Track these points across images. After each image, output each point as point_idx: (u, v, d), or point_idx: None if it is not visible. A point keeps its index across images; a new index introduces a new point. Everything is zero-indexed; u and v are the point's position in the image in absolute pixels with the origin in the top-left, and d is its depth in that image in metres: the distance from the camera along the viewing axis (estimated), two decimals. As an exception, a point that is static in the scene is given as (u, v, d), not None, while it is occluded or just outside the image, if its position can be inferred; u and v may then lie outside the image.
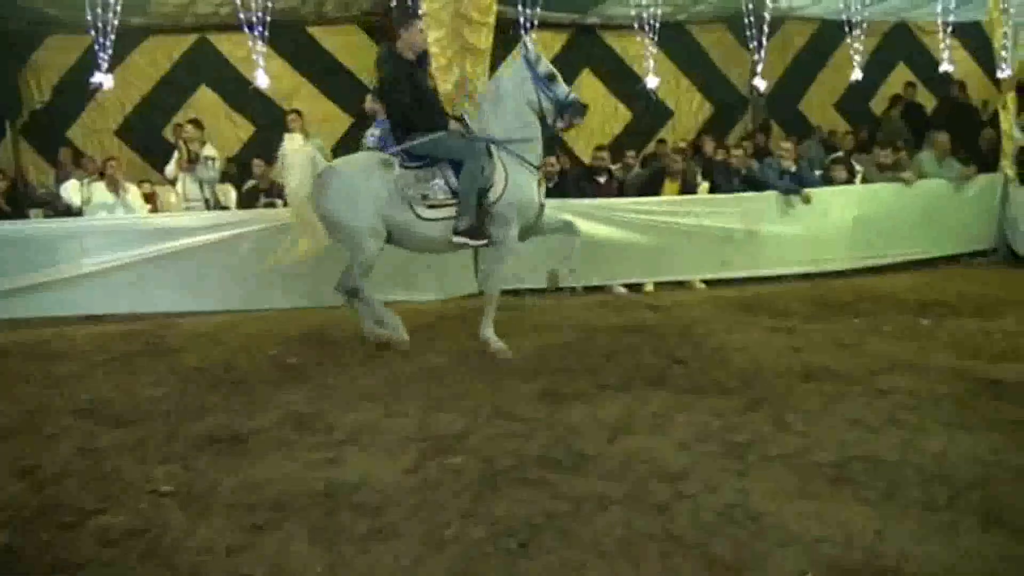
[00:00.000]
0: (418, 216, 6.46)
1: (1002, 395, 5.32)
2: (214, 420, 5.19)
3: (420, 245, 6.75)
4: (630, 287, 9.01)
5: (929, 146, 10.37)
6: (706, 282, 9.17)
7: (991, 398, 5.27)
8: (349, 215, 6.43)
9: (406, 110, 6.47)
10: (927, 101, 13.44)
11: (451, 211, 6.41)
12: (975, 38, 12.55)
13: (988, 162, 10.35)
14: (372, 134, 9.40)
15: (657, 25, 9.94)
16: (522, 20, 8.73)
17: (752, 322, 7.41)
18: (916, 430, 4.73)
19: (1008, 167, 10.00)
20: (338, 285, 6.69)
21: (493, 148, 6.48)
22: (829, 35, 13.02)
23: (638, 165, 11.32)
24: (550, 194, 8.88)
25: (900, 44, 13.91)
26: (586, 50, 12.97)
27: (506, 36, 9.40)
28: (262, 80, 8.82)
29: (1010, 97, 9.90)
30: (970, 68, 13.46)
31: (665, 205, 9.16)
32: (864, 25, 11.25)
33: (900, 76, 13.83)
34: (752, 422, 4.92)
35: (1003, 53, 9.58)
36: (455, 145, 6.47)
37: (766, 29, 10.21)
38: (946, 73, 11.62)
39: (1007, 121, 9.95)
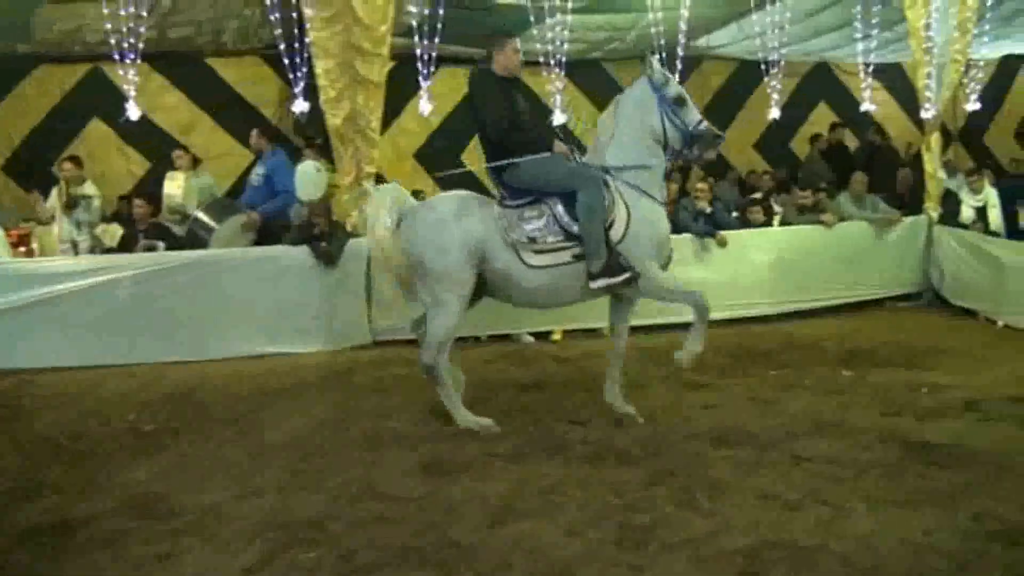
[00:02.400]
0: (524, 263, 5.51)
1: (932, 460, 4.90)
2: (46, 504, 4.55)
3: (524, 297, 5.73)
4: (537, 335, 8.46)
5: (849, 188, 10.10)
6: (616, 330, 8.64)
7: (920, 464, 4.84)
8: (436, 260, 5.49)
9: (502, 132, 5.50)
10: (850, 142, 13.29)
11: (563, 255, 5.47)
12: (897, 79, 12.47)
13: (905, 203, 10.11)
14: (257, 173, 8.88)
15: (564, 60, 9.52)
16: (419, 52, 8.20)
17: (662, 375, 6.93)
18: (838, 507, 4.27)
19: (932, 209, 9.75)
20: (425, 355, 5.71)
21: (609, 180, 5.53)
22: (747, 75, 12.85)
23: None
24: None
25: (821, 84, 13.85)
26: (500, 86, 12.52)
27: (405, 69, 8.98)
28: (133, 113, 8.15)
29: (934, 138, 9.68)
30: (892, 109, 13.37)
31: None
32: (783, 65, 11.00)
33: (821, 116, 13.69)
34: (655, 499, 4.41)
35: (927, 94, 9.35)
36: (567, 170, 5.51)
37: (679, 66, 9.85)
38: (867, 114, 11.47)
39: (931, 162, 9.73)
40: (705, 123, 5.58)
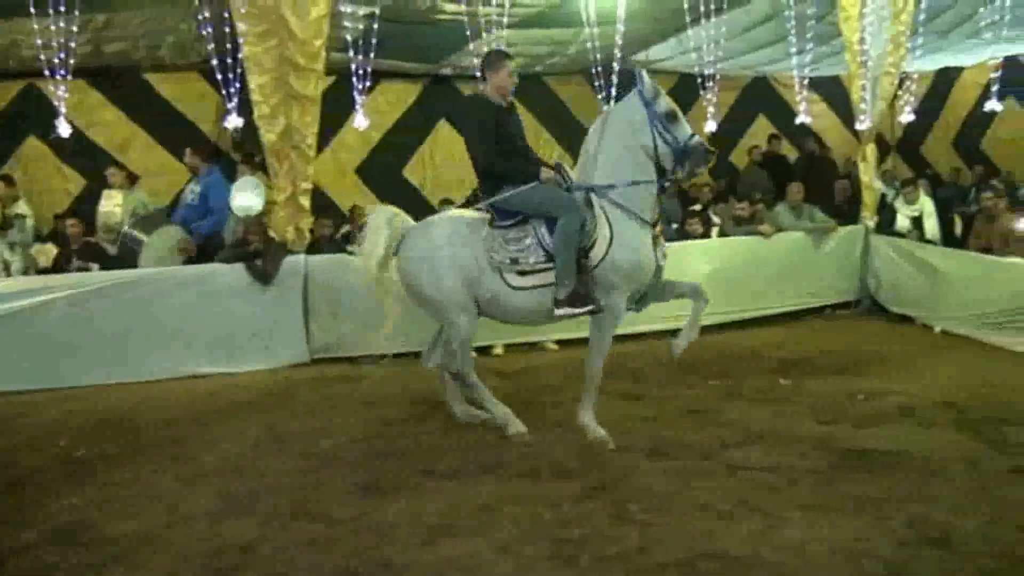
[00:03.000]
0: (508, 284, 5.51)
1: (867, 467, 4.96)
2: (-27, 537, 4.39)
3: (514, 318, 5.79)
4: (480, 350, 8.40)
5: (786, 198, 10.22)
6: (559, 343, 8.62)
7: (855, 471, 4.90)
8: (432, 287, 5.57)
9: (492, 159, 5.49)
10: (789, 153, 13.47)
11: (547, 277, 5.44)
12: (833, 91, 12.66)
13: (842, 213, 10.25)
14: (192, 190, 8.75)
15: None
16: (354, 67, 8.14)
17: (603, 388, 6.88)
18: (772, 516, 4.28)
19: (869, 218, 9.89)
20: (443, 363, 5.86)
21: (595, 198, 5.48)
22: (687, 88, 12.87)
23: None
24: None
25: (760, 97, 13.99)
26: (441, 101, 12.50)
27: (346, 84, 8.92)
28: (64, 129, 7.97)
29: (869, 149, 9.84)
30: (830, 121, 13.56)
31: (517, 262, 8.62)
32: (719, 79, 11.11)
33: (761, 128, 13.83)
34: (589, 513, 4.40)
35: (862, 106, 9.50)
36: (547, 197, 5.45)
37: (615, 80, 9.90)
38: (805, 125, 11.63)
39: (867, 172, 9.89)
40: (697, 137, 5.45)
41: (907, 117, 11.85)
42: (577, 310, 5.37)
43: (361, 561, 3.92)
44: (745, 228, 9.78)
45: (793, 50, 10.34)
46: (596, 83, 10.40)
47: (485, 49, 9.12)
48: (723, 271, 9.24)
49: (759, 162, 12.76)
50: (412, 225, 5.87)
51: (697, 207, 11.00)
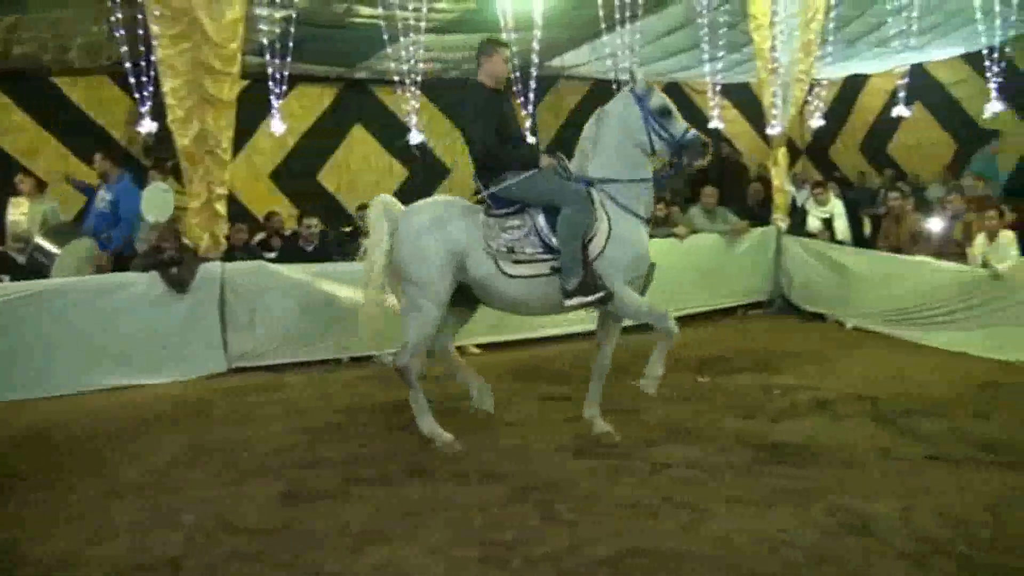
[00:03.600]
0: (502, 272, 5.45)
1: (785, 459, 5.08)
2: None
3: (504, 305, 5.72)
4: (401, 356, 8.37)
5: (700, 201, 10.41)
6: (481, 346, 8.64)
7: (775, 464, 5.02)
8: (416, 267, 5.48)
9: (490, 145, 5.43)
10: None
11: (541, 267, 5.40)
12: (745, 97, 12.93)
13: (755, 215, 10.48)
14: (104, 198, 8.53)
15: (420, 80, 9.50)
16: (270, 71, 8.03)
17: (526, 390, 6.98)
18: (697, 510, 4.37)
19: (781, 220, 10.13)
20: (399, 357, 5.70)
21: (595, 192, 5.45)
22: (601, 94, 13.02)
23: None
24: (310, 259, 8.29)
25: (673, 103, 14.12)
26: (356, 105, 12.48)
27: (260, 88, 8.82)
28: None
29: (780, 153, 10.08)
30: (741, 126, 13.84)
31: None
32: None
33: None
34: (518, 514, 4.42)
35: (773, 111, 9.73)
36: (550, 187, 5.42)
37: (533, 85, 9.96)
38: (717, 130, 11.87)
39: (779, 176, 10.13)
40: (692, 132, 5.47)
41: (817, 122, 12.18)
42: (589, 298, 5.33)
43: (290, 571, 3.87)
44: (660, 230, 9.92)
45: (706, 57, 10.53)
46: (515, 88, 10.41)
47: (404, 54, 9.13)
48: (640, 273, 9.37)
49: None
50: (404, 208, 5.81)
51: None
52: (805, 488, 4.59)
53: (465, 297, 5.70)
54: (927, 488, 4.56)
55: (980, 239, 8.28)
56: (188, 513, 4.55)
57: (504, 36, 9.51)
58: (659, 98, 5.46)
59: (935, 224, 9.03)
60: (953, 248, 8.70)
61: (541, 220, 5.40)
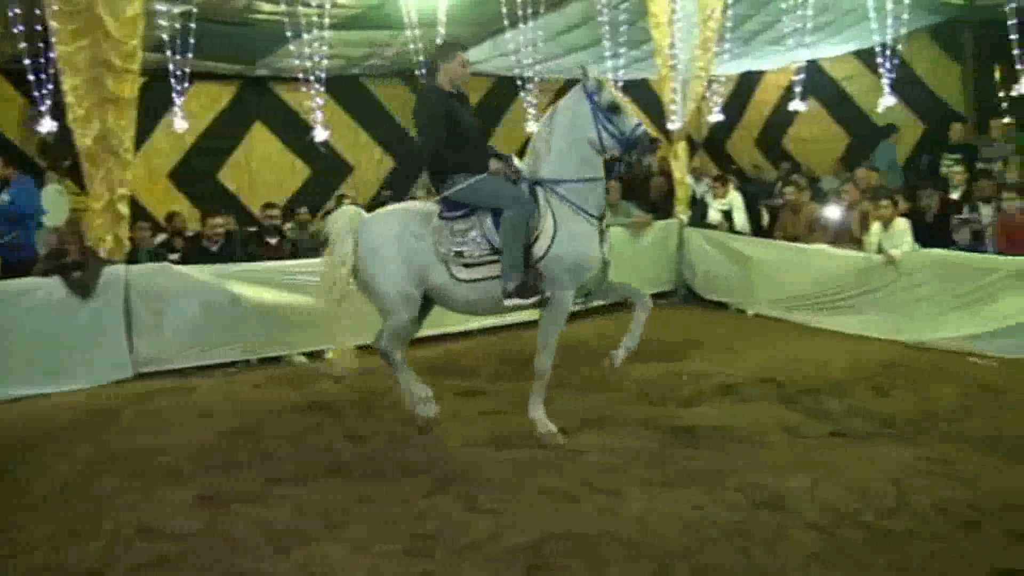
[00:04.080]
0: (454, 277, 5.49)
1: (696, 442, 5.25)
2: None
3: (464, 309, 5.83)
4: (310, 355, 8.30)
5: (603, 195, 10.59)
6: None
7: (686, 447, 5.17)
8: (378, 278, 5.56)
9: (440, 149, 5.44)
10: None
11: (492, 269, 5.42)
12: (644, 93, 13.16)
13: (657, 208, 10.69)
14: (2, 200, 8.26)
15: (323, 77, 9.42)
16: (172, 68, 7.87)
17: (440, 385, 6.91)
18: (614, 494, 4.50)
19: (682, 212, 10.38)
20: (376, 340, 5.79)
21: (541, 192, 5.47)
22: (503, 90, 13.17)
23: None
24: (214, 260, 8.16)
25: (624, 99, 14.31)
26: (257, 103, 12.27)
27: (157, 85, 8.64)
28: None
29: (680, 147, 10.30)
30: (641, 120, 14.07)
31: (343, 264, 8.56)
32: (536, 80, 11.38)
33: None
34: (440, 507, 4.47)
35: (673, 107, 9.93)
36: (494, 189, 5.43)
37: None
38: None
39: (679, 170, 10.37)
40: (642, 128, 5.47)
41: (715, 117, 12.46)
42: (525, 301, 5.38)
43: (214, 575, 3.83)
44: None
45: (607, 54, 10.69)
46: (416, 85, 10.40)
47: (307, 50, 9.05)
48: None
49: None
50: (366, 217, 5.82)
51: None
52: (717, 468, 4.76)
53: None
54: (833, 463, 4.78)
55: (875, 227, 8.62)
56: (106, 521, 4.46)
57: (408, 33, 9.54)
58: (609, 94, 5.47)
59: (832, 213, 9.37)
60: (849, 237, 9.04)
61: (489, 223, 5.44)
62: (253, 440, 5.72)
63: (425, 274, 5.54)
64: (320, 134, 9.55)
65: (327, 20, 8.82)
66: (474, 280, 5.49)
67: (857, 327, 8.08)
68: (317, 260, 8.19)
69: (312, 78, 9.44)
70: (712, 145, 15.27)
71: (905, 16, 9.17)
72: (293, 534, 4.21)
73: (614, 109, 5.42)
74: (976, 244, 8.42)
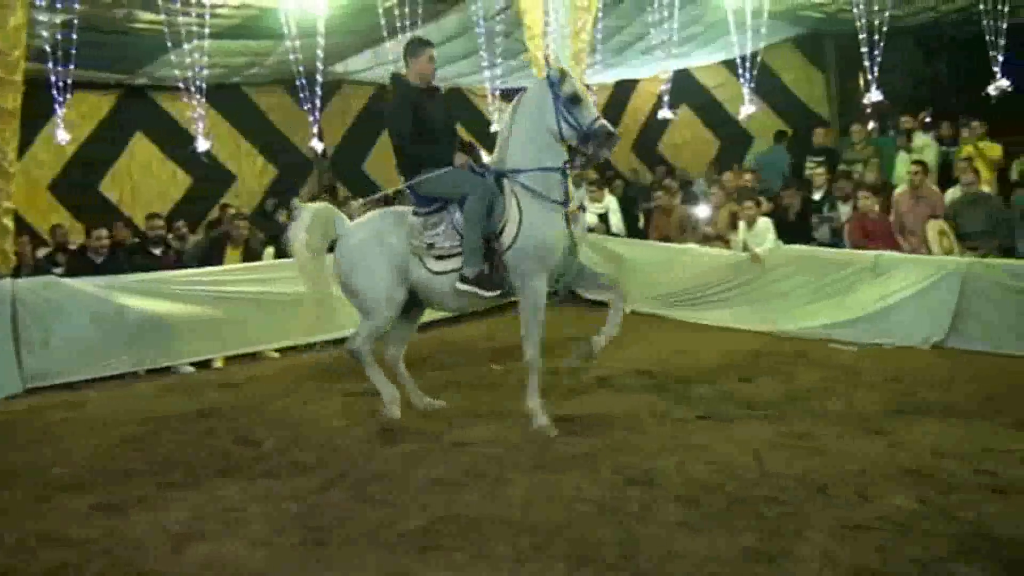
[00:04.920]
0: (428, 270, 5.64)
1: (575, 430, 5.56)
2: None
3: (444, 304, 5.93)
4: (199, 365, 8.35)
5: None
6: (279, 350, 8.76)
7: (566, 435, 5.46)
8: (366, 284, 5.73)
9: (406, 142, 5.59)
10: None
11: (460, 261, 5.57)
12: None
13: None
14: None
15: (204, 86, 9.44)
16: (54, 79, 7.81)
17: (329, 389, 7.17)
18: (498, 480, 4.75)
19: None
20: (351, 341, 5.95)
21: (507, 183, 5.57)
22: (377, 98, 13.40)
23: (204, 231, 10.76)
24: (99, 271, 8.13)
25: (455, 107, 14.56)
26: (137, 112, 12.17)
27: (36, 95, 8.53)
28: None
29: (564, 152, 10.65)
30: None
31: (229, 274, 8.66)
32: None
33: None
34: (332, 501, 4.64)
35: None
36: (456, 179, 5.56)
37: (320, 91, 10.11)
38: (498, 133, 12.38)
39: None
40: (600, 122, 5.49)
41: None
42: (483, 292, 5.57)
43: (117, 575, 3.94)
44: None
45: (484, 64, 10.97)
46: (302, 94, 10.47)
47: (187, 60, 9.07)
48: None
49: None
50: (347, 224, 6.01)
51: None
52: (593, 452, 5.09)
53: (408, 307, 5.97)
54: (700, 443, 5.17)
55: (742, 226, 9.15)
56: (5, 533, 4.47)
57: (288, 44, 9.64)
58: (570, 85, 5.51)
59: (701, 214, 9.88)
60: (717, 236, 9.57)
61: (457, 215, 5.60)
62: (146, 448, 5.77)
63: (406, 272, 5.72)
64: (202, 144, 9.56)
65: (207, 30, 8.86)
66: (447, 272, 5.65)
67: (728, 320, 8.59)
68: (204, 270, 8.41)
69: (192, 87, 9.45)
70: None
71: (764, 30, 9.73)
72: (192, 534, 4.31)
73: (575, 100, 5.50)
74: (834, 240, 9.04)
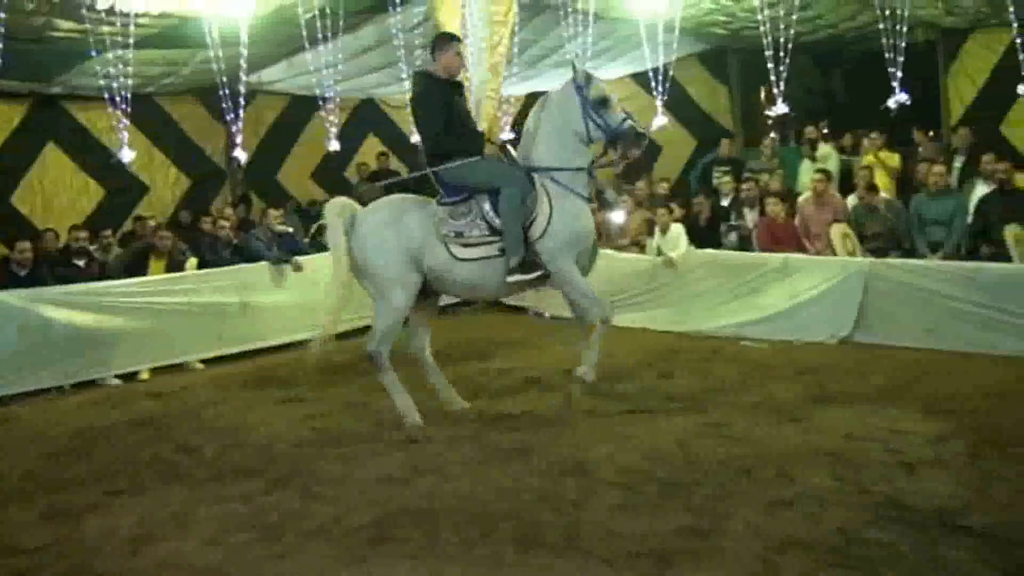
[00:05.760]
0: (454, 257, 5.72)
1: (510, 427, 5.82)
2: None
3: (461, 291, 6.15)
4: (124, 377, 8.32)
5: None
6: (205, 361, 8.78)
7: (501, 432, 5.71)
8: (378, 263, 5.79)
9: (437, 134, 5.75)
10: (398, 170, 14.41)
11: (490, 249, 5.69)
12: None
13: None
14: None
15: (128, 96, 9.39)
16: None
17: (260, 397, 7.27)
18: (442, 474, 4.97)
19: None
20: (368, 343, 6.06)
21: (536, 177, 5.72)
22: (300, 108, 13.42)
23: (117, 244, 10.67)
24: (21, 284, 8.06)
25: (370, 118, 14.69)
26: (50, 122, 11.89)
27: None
28: None
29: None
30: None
31: (153, 285, 8.65)
32: (339, 100, 11.70)
33: (371, 146, 14.57)
34: (281, 501, 4.79)
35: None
36: (490, 170, 5.74)
37: (242, 102, 10.13)
38: (415, 144, 12.53)
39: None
40: (629, 122, 5.71)
41: (506, 135, 13.16)
42: (528, 276, 5.71)
43: (76, 578, 4.02)
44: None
45: (403, 76, 11.12)
46: (224, 105, 10.43)
47: (111, 70, 9.02)
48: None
49: (368, 177, 13.57)
50: (361, 208, 6.11)
51: (323, 222, 11.55)
52: (529, 446, 5.35)
53: (425, 297, 6.11)
54: (628, 435, 5.49)
55: (656, 232, 9.53)
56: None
57: (206, 54, 9.62)
58: (598, 88, 5.74)
59: (616, 220, 10.22)
60: (633, 241, 9.95)
61: (486, 205, 5.73)
62: (87, 458, 5.81)
63: (423, 256, 5.81)
64: (126, 155, 9.50)
65: (129, 40, 8.77)
66: (473, 259, 5.78)
67: (645, 322, 8.92)
68: (129, 281, 8.39)
69: (118, 97, 9.38)
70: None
71: (674, 45, 10.14)
72: (144, 537, 4.42)
73: (603, 103, 5.72)
74: (743, 245, 9.48)
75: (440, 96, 5.88)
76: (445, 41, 6.06)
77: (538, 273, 5.76)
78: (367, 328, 9.37)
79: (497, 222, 5.71)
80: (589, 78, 5.79)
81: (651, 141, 13.17)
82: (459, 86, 6.18)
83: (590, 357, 5.86)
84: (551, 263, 5.73)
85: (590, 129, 5.75)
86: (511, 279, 5.73)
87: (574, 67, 5.90)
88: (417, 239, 5.82)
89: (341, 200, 6.26)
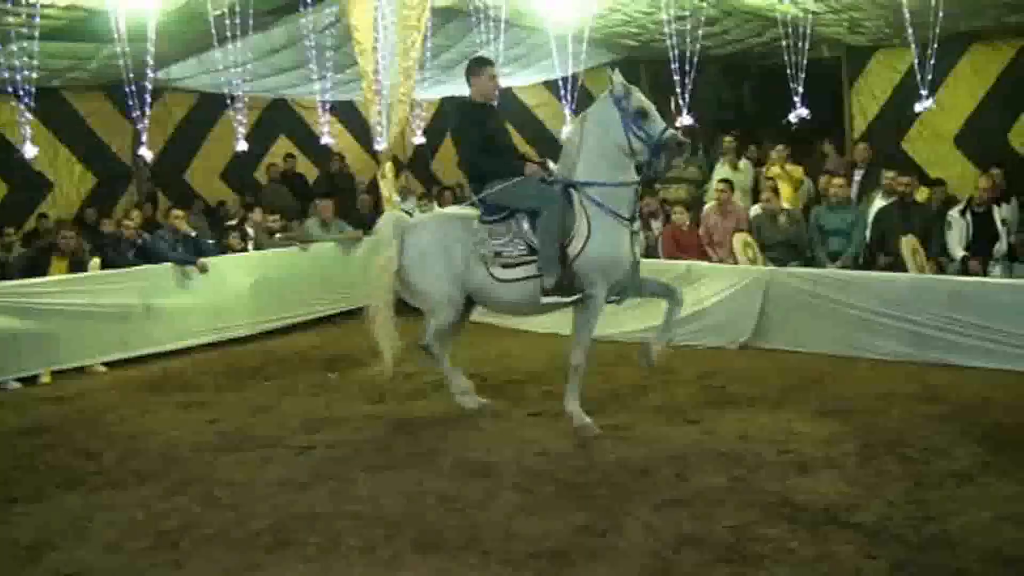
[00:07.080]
0: (494, 277, 5.71)
1: (414, 431, 5.89)
2: None
3: (503, 309, 6.25)
4: (24, 381, 8.10)
5: (315, 213, 11.01)
6: (108, 364, 8.60)
7: (406, 436, 5.78)
8: (422, 282, 5.95)
9: (476, 157, 5.81)
10: (309, 171, 14.30)
11: (529, 270, 5.67)
12: (350, 114, 13.65)
13: (366, 224, 11.17)
14: None
15: (33, 89, 9.12)
16: None
17: (163, 401, 7.18)
18: (344, 479, 5.00)
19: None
20: (421, 337, 6.14)
21: (575, 195, 5.64)
22: (210, 107, 13.22)
23: (20, 243, 10.40)
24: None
25: (281, 118, 14.56)
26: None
27: None
28: None
29: (388, 167, 10.82)
30: (348, 141, 14.56)
31: (54, 285, 8.44)
32: (246, 99, 11.57)
33: (281, 148, 14.46)
34: (180, 506, 4.78)
35: (378, 128, 10.37)
36: (528, 192, 5.68)
37: (148, 99, 9.94)
38: (327, 146, 12.49)
39: (387, 188, 10.86)
40: (670, 131, 5.60)
41: (418, 139, 13.19)
42: (565, 299, 5.66)
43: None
44: (277, 239, 10.53)
45: (314, 76, 11.07)
46: (130, 101, 10.20)
47: (14, 62, 8.77)
48: (264, 282, 9.89)
49: (277, 179, 13.47)
50: (408, 223, 6.17)
51: (233, 222, 11.44)
52: (434, 450, 5.43)
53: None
54: (532, 437, 5.60)
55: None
56: None
57: (115, 48, 9.41)
58: (637, 100, 5.61)
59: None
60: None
61: (525, 225, 5.73)
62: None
63: (466, 276, 5.86)
64: (29, 150, 9.23)
65: (35, 31, 8.53)
66: (512, 280, 5.78)
67: (552, 326, 8.97)
68: (29, 281, 8.18)
69: (21, 91, 9.12)
70: (418, 165, 15.95)
71: (583, 56, 10.30)
72: (42, 545, 4.36)
73: (643, 114, 5.59)
74: (649, 252, 9.64)
75: (474, 120, 5.97)
76: (478, 66, 6.09)
77: (575, 297, 5.70)
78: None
79: (536, 242, 5.72)
80: (628, 90, 5.64)
81: (560, 148, 13.48)
82: (493, 108, 6.13)
83: (569, 396, 5.89)
84: (586, 287, 5.68)
85: (632, 142, 5.61)
86: (545, 300, 5.70)
87: (612, 79, 5.71)
88: (459, 259, 5.88)
89: (396, 215, 6.37)
